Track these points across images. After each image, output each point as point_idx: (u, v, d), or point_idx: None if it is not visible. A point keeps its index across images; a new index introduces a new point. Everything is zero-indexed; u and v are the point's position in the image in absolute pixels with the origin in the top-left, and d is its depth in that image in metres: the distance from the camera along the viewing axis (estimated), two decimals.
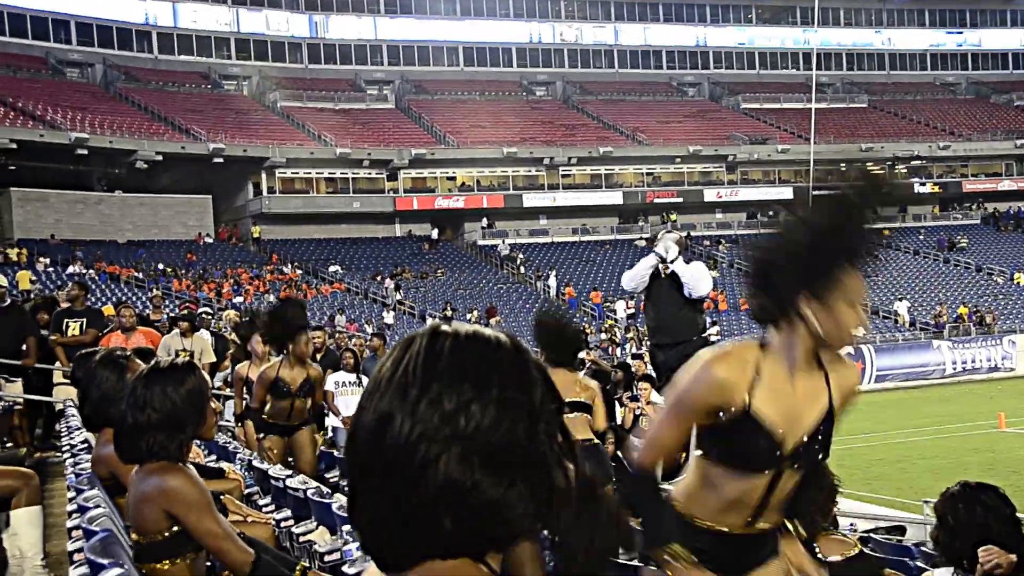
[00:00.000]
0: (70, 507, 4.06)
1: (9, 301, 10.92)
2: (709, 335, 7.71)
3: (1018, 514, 3.41)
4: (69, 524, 3.88)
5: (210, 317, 13.49)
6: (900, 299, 40.60)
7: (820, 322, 2.35)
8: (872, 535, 7.42)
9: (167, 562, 2.81)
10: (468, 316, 37.13)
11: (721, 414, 2.39)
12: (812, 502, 3.82)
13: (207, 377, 3.14)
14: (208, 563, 3.04)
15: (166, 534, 2.80)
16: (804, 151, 47.28)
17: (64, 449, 7.70)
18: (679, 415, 2.46)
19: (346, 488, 5.71)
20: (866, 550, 6.15)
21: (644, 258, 7.79)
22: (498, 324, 36.96)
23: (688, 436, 2.49)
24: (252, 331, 8.68)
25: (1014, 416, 23.14)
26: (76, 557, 3.38)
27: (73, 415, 8.45)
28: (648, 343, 8.15)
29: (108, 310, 13.80)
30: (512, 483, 1.11)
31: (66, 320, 11.21)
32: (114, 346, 6.50)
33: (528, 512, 1.13)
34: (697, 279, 7.36)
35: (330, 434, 10.57)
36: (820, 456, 2.48)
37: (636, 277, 7.75)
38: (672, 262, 7.33)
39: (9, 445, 10.65)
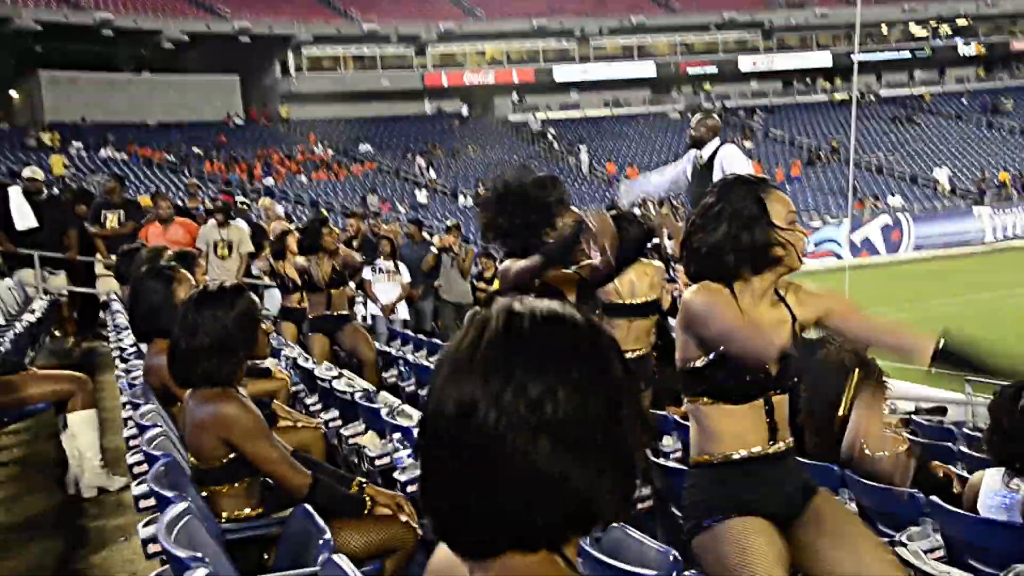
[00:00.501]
0: (126, 417, 4.14)
1: (47, 194, 10.97)
2: None
3: None
4: (126, 433, 3.97)
5: (247, 207, 13.50)
6: (940, 166, 39.86)
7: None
8: (913, 416, 7.44)
9: (226, 486, 2.86)
10: None
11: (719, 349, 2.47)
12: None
13: (256, 299, 3.13)
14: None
15: (223, 460, 2.84)
16: (843, 14, 45.81)
17: (112, 342, 7.85)
18: (730, 315, 2.47)
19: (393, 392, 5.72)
20: (908, 433, 6.19)
21: (666, 172, 7.66)
22: None
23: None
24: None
25: None
26: (136, 470, 3.47)
27: (118, 310, 8.59)
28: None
29: (144, 200, 13.85)
30: (600, 471, 1.09)
31: (104, 212, 11.26)
32: (157, 246, 6.52)
33: (614, 499, 1.12)
34: (731, 164, 7.10)
35: (369, 322, 10.68)
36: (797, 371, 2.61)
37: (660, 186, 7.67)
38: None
39: (57, 335, 10.89)
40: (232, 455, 2.83)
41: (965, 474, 4.80)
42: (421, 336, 9.77)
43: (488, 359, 1.10)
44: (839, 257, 31.88)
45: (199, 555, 1.90)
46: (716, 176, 7.09)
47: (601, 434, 1.10)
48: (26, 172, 10.91)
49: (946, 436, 6.48)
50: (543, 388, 1.08)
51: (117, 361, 5.32)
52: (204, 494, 2.87)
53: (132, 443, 3.86)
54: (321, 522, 2.50)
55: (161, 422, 3.38)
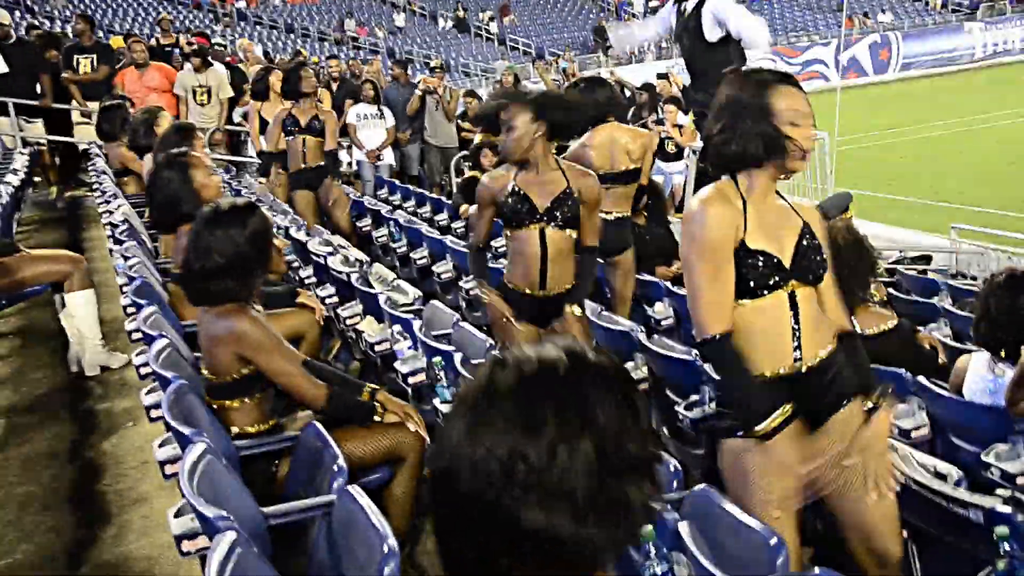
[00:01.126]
0: (126, 305, 4.18)
1: (15, 37, 10.60)
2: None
3: None
4: (129, 326, 4.01)
5: (223, 49, 13.11)
6: None
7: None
8: (898, 267, 7.54)
9: (238, 400, 2.91)
10: (480, 15, 35.90)
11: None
12: (852, 274, 3.85)
13: (268, 215, 3.09)
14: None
15: (235, 376, 2.88)
16: None
17: (96, 198, 7.81)
18: (715, 264, 2.50)
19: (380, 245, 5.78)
20: (892, 288, 6.29)
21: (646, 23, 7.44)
22: (512, 23, 35.80)
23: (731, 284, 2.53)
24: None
25: None
26: (143, 371, 3.52)
27: (101, 164, 8.49)
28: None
29: (116, 42, 13.40)
30: (586, 521, 1.10)
31: (76, 57, 10.94)
32: (150, 109, 6.41)
33: (611, 542, 1.13)
34: (724, 10, 6.76)
35: (354, 167, 10.59)
36: (820, 268, 2.58)
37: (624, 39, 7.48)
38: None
39: (38, 184, 10.76)
40: (246, 370, 2.87)
41: (950, 341, 4.94)
42: (409, 186, 9.73)
43: (468, 420, 1.13)
44: (827, 79, 31.45)
45: (225, 514, 1.96)
46: (706, 23, 6.79)
47: (585, 486, 1.10)
48: None
49: (931, 288, 6.59)
50: (511, 450, 1.09)
51: (110, 243, 5.28)
52: (216, 408, 2.93)
53: (134, 337, 3.92)
54: (335, 446, 2.57)
55: (166, 326, 3.41)
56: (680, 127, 10.37)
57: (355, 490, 2.31)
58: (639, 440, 1.16)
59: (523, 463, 1.09)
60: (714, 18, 6.59)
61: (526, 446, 1.09)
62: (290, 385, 2.91)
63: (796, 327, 2.54)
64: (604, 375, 1.17)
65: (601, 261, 4.95)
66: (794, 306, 2.54)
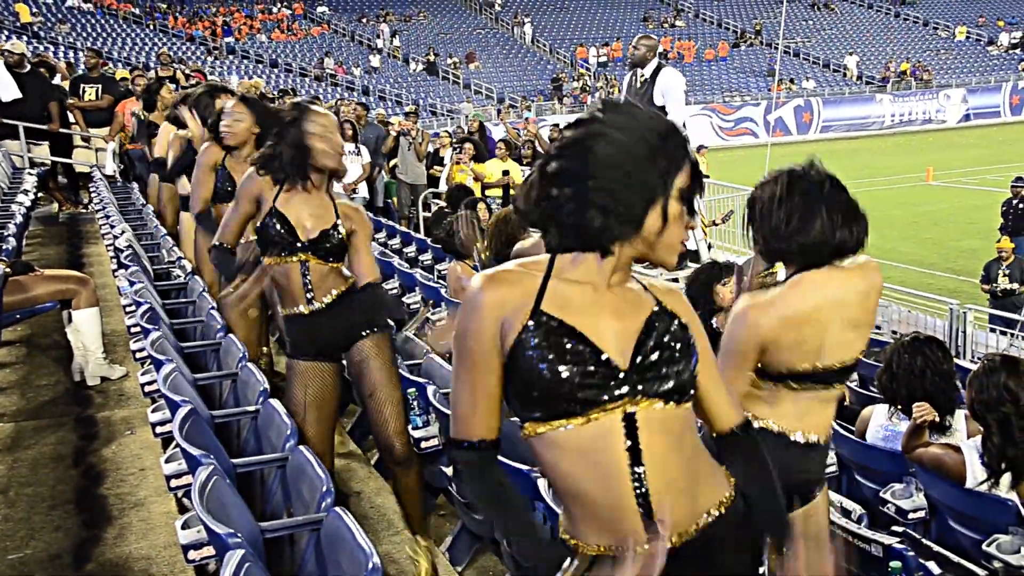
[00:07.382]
0: (136, 345, 4.21)
1: (29, 67, 10.51)
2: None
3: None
4: (133, 346, 4.05)
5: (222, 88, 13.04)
6: (851, 54, 39.74)
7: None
8: None
9: None
10: (449, 60, 36.07)
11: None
12: None
13: None
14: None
15: None
16: None
17: (99, 215, 7.78)
18: None
19: None
20: None
21: None
22: (477, 68, 36.02)
23: None
24: None
25: (940, 168, 23.45)
26: (147, 388, 3.57)
27: (100, 179, 8.44)
28: None
29: (122, 73, 13.30)
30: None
31: (82, 85, 10.92)
32: None
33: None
34: (670, 88, 7.27)
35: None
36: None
37: None
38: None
39: (42, 200, 10.65)
40: None
41: (855, 385, 5.13)
42: (380, 219, 9.80)
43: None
44: (755, 136, 32.11)
45: (234, 531, 2.03)
46: (656, 96, 7.19)
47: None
48: (6, 45, 10.42)
49: None
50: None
51: (114, 264, 5.29)
52: None
53: (138, 356, 3.96)
54: (322, 469, 2.65)
55: (170, 350, 3.47)
56: None
57: (342, 510, 2.39)
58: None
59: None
60: (660, 89, 7.03)
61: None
62: None
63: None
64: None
65: None
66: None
